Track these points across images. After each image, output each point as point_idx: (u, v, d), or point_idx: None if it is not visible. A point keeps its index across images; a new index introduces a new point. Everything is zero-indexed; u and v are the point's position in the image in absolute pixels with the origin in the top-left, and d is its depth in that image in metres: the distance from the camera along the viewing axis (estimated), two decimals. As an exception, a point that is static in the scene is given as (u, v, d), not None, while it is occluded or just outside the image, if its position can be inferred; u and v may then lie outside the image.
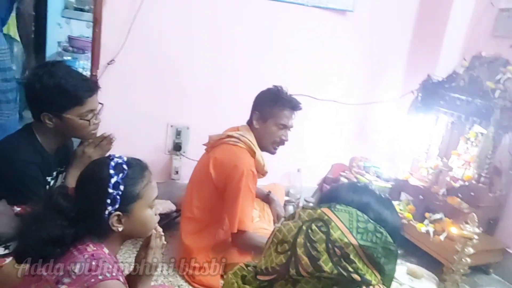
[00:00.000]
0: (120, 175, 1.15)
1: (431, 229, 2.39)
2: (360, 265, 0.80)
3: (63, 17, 4.73)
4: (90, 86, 1.62)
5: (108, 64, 2.36)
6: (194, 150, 2.49)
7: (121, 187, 1.14)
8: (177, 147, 2.63)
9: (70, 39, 4.56)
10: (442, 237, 2.31)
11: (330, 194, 0.91)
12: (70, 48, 4.50)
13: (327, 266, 0.78)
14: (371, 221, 0.82)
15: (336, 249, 0.79)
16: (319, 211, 0.83)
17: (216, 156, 2.01)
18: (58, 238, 1.09)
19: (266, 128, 2.02)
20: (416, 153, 2.80)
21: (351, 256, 0.79)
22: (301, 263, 0.79)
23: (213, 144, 2.08)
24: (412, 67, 2.99)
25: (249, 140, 2.01)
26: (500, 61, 2.47)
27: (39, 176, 1.58)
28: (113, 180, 1.14)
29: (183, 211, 2.14)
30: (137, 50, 2.41)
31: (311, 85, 2.83)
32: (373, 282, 0.82)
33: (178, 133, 2.63)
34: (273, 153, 2.11)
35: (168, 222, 2.41)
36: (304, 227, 0.82)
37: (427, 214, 2.51)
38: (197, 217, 2.05)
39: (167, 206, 2.48)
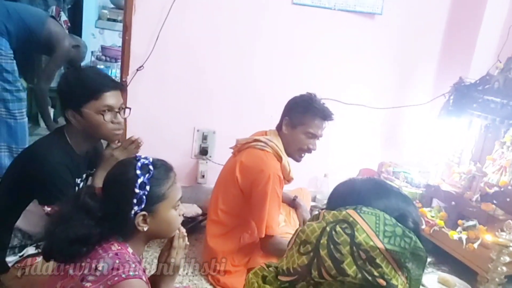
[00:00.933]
0: (147, 175, 1.17)
1: (464, 236, 2.29)
2: (387, 270, 0.77)
3: (97, 27, 4.91)
4: (110, 82, 1.64)
5: (137, 70, 2.42)
6: (220, 154, 2.51)
7: (147, 188, 1.16)
8: (203, 152, 2.66)
9: (103, 48, 4.72)
10: (475, 245, 2.21)
11: (351, 194, 0.87)
12: (103, 57, 4.65)
13: (350, 270, 0.76)
14: (399, 225, 0.80)
15: (361, 252, 0.76)
16: (344, 212, 0.81)
17: (242, 160, 2.01)
18: (85, 238, 1.11)
19: (294, 135, 2.00)
20: (448, 158, 2.71)
21: (378, 260, 0.76)
22: (324, 265, 0.77)
23: (240, 148, 2.08)
24: (444, 70, 2.90)
25: (276, 145, 2.00)
26: (537, 62, 2.37)
27: (69, 178, 1.62)
28: (139, 181, 1.15)
29: (209, 214, 2.15)
30: (165, 56, 2.45)
31: (339, 90, 2.80)
32: (400, 287, 0.79)
33: (205, 138, 2.65)
34: (298, 160, 2.08)
35: (194, 225, 2.43)
36: (328, 228, 0.80)
37: (459, 221, 2.41)
38: (223, 220, 2.05)
39: (193, 209, 2.51)
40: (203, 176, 2.67)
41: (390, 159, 3.01)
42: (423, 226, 2.51)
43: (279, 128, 2.07)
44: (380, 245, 0.76)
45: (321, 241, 0.79)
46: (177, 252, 1.33)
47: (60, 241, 1.11)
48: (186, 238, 1.37)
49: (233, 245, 2.04)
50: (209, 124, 2.65)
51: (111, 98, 1.63)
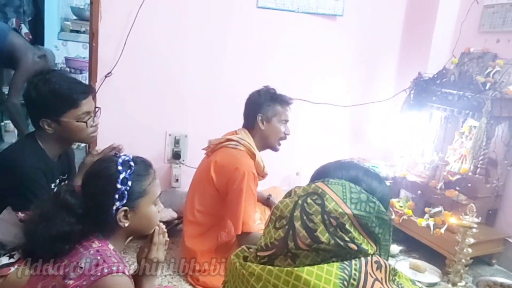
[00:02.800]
0: (128, 171, 1.19)
1: (431, 223, 2.41)
2: (356, 234, 0.83)
3: (59, 39, 4.84)
4: (84, 88, 1.66)
5: (106, 76, 2.42)
6: (193, 157, 2.53)
7: (129, 183, 1.18)
8: (176, 156, 2.67)
9: (67, 60, 4.65)
10: (442, 230, 2.33)
11: (319, 173, 0.94)
12: (68, 69, 4.58)
13: (324, 237, 0.81)
14: (364, 191, 0.86)
15: (331, 219, 0.82)
16: (313, 185, 0.87)
17: (216, 160, 2.05)
18: (67, 235, 1.12)
19: (272, 127, 2.10)
20: (412, 150, 2.84)
21: (347, 226, 0.82)
22: (299, 235, 0.82)
23: (213, 148, 2.12)
24: (404, 67, 3.05)
25: (248, 143, 2.06)
26: (489, 56, 2.53)
27: (44, 182, 1.61)
28: (121, 176, 1.17)
29: (185, 215, 2.16)
30: (133, 61, 2.47)
31: (306, 89, 2.89)
32: (370, 251, 0.85)
33: (177, 142, 2.67)
34: (277, 149, 2.18)
35: (170, 229, 2.41)
36: (300, 201, 0.85)
37: (426, 209, 2.53)
38: (199, 220, 2.08)
39: (168, 213, 2.51)
40: (177, 180, 2.68)
41: (358, 154, 3.12)
42: (393, 216, 2.61)
43: (249, 126, 2.14)
44: (348, 211, 0.82)
45: (295, 214, 0.84)
46: (157, 248, 1.34)
47: (42, 239, 1.11)
48: (166, 234, 1.39)
49: (211, 244, 2.06)
50: (181, 128, 2.67)
51: (88, 104, 1.66)
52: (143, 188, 1.22)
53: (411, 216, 2.55)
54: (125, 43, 2.39)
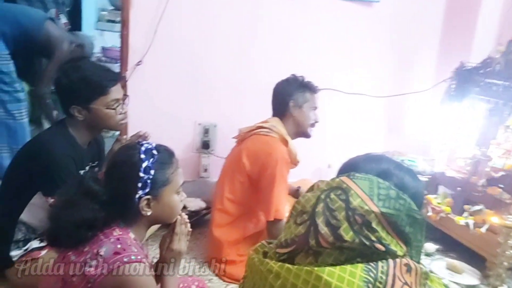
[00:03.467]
0: (151, 159, 1.17)
1: (471, 221, 2.26)
2: (383, 234, 0.76)
3: (96, 29, 4.93)
4: (113, 76, 1.68)
5: (136, 65, 2.42)
6: (222, 147, 2.51)
7: (152, 172, 1.16)
8: (205, 145, 2.66)
9: (104, 49, 4.74)
10: (483, 230, 2.19)
11: (347, 166, 0.88)
12: (104, 58, 4.67)
13: (347, 235, 0.75)
14: (393, 187, 0.79)
15: (356, 217, 0.76)
16: (337, 180, 0.81)
17: (248, 147, 2.04)
18: (90, 222, 1.12)
19: (304, 114, 2.10)
20: (452, 144, 2.68)
21: (373, 225, 0.76)
22: (321, 232, 0.77)
23: (244, 136, 2.11)
24: (444, 56, 2.88)
25: (280, 130, 2.05)
26: (540, 43, 2.34)
27: (73, 168, 1.63)
28: (144, 165, 1.15)
29: (214, 203, 2.15)
30: (164, 50, 2.46)
31: (338, 79, 2.79)
32: (399, 253, 0.78)
33: (206, 131, 2.65)
34: (310, 135, 2.18)
35: (197, 219, 2.42)
36: (322, 196, 0.79)
37: (466, 207, 2.38)
38: (228, 209, 2.06)
39: (197, 203, 2.50)
40: (206, 170, 2.67)
41: (393, 148, 2.98)
42: (429, 213, 2.49)
43: (280, 114, 2.11)
44: (375, 208, 0.75)
45: (317, 209, 0.78)
46: (179, 238, 1.33)
47: (66, 225, 1.11)
48: (189, 225, 1.37)
49: (238, 235, 2.04)
50: (210, 117, 2.65)
51: (117, 91, 1.68)
52: (166, 177, 1.20)
53: (449, 213, 2.42)
54: (155, 32, 2.38)
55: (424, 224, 0.84)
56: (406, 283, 0.75)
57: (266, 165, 1.95)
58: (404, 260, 0.78)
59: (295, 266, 0.76)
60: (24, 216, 1.67)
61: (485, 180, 2.35)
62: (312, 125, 2.14)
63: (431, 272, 2.16)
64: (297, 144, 2.18)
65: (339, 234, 0.75)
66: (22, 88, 2.73)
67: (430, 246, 2.42)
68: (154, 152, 1.19)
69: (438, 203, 2.52)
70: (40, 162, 1.59)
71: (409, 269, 0.77)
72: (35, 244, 1.67)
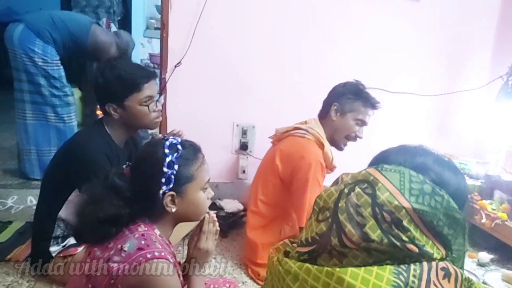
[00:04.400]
0: (175, 154, 1.14)
1: (531, 229, 2.06)
2: (416, 234, 0.67)
3: (145, 37, 5.11)
4: (146, 73, 1.69)
5: (176, 66, 2.44)
6: (261, 149, 2.45)
7: (176, 167, 1.13)
8: (243, 147, 2.62)
9: (151, 56, 4.89)
10: (546, 239, 1.98)
11: (378, 159, 0.79)
12: (151, 64, 4.82)
13: (374, 234, 0.67)
14: (428, 181, 0.69)
15: (384, 213, 0.67)
16: (363, 172, 0.73)
17: (282, 148, 1.97)
18: (114, 218, 1.10)
19: (343, 121, 1.96)
20: (510, 145, 2.46)
21: (405, 223, 0.67)
22: (344, 231, 0.69)
23: (280, 137, 2.05)
24: (500, 51, 2.67)
25: (317, 132, 1.96)
26: None
27: (108, 166, 1.65)
28: (167, 159, 1.13)
29: (248, 205, 2.11)
30: (202, 52, 2.46)
31: (384, 78, 2.66)
32: (436, 256, 0.68)
33: (244, 132, 2.62)
34: (341, 149, 2.03)
35: (235, 220, 2.40)
36: (346, 190, 0.71)
37: (525, 213, 2.17)
38: (262, 211, 2.00)
39: (234, 205, 2.48)
40: (244, 172, 2.63)
41: (444, 149, 2.78)
42: (483, 220, 2.29)
43: (322, 115, 2.03)
44: (406, 204, 0.67)
45: (340, 205, 0.71)
46: (207, 237, 1.29)
47: (90, 221, 1.11)
48: (217, 223, 1.32)
49: (273, 237, 1.97)
50: (249, 118, 2.62)
51: (150, 88, 1.69)
52: (191, 173, 1.17)
53: (506, 220, 2.22)
54: (193, 34, 2.39)
55: (466, 226, 0.73)
56: (443, 290, 0.66)
57: (298, 168, 1.86)
58: (442, 264, 0.68)
59: (315, 267, 0.69)
60: (63, 213, 1.71)
61: (548, 185, 2.13)
62: (349, 137, 1.99)
63: (484, 283, 1.98)
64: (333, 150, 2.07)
65: (364, 232, 0.67)
66: (72, 92, 2.85)
67: (484, 256, 2.23)
68: (179, 147, 1.16)
69: (493, 209, 2.33)
70: (76, 160, 1.62)
71: (447, 274, 0.68)
72: (72, 240, 1.71)
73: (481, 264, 2.22)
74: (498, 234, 2.24)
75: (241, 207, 2.48)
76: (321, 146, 1.94)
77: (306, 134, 1.94)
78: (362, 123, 1.97)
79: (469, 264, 2.23)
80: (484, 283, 1.99)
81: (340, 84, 2.03)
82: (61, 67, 2.70)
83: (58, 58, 2.67)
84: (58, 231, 1.71)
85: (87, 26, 2.76)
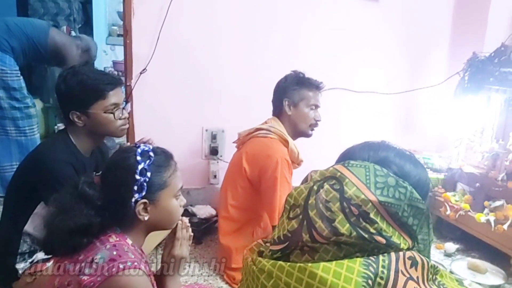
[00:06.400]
0: (147, 161, 1.13)
1: (492, 218, 2.16)
2: (383, 225, 0.70)
3: (107, 44, 5.00)
4: (112, 80, 1.64)
5: (141, 73, 2.41)
6: (231, 153, 2.44)
7: (148, 174, 1.12)
8: (213, 151, 2.62)
9: (115, 63, 4.80)
10: (505, 226, 2.08)
11: (344, 155, 0.82)
12: (116, 72, 4.72)
13: (343, 228, 0.69)
14: (392, 174, 0.72)
15: (352, 207, 0.70)
16: (331, 169, 0.75)
17: (247, 151, 1.98)
18: (85, 228, 1.07)
19: (299, 112, 2.00)
20: (469, 138, 2.58)
21: (372, 215, 0.69)
22: (315, 226, 0.71)
23: (243, 140, 2.06)
24: (456, 47, 2.79)
25: (279, 130, 1.98)
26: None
27: (75, 177, 1.59)
28: (140, 167, 1.11)
29: (219, 211, 2.10)
30: (167, 57, 2.44)
31: (347, 78, 2.73)
32: (403, 246, 0.71)
33: (214, 137, 2.62)
34: (310, 135, 2.08)
35: (208, 226, 2.38)
36: (315, 187, 0.74)
37: (486, 203, 2.27)
38: (233, 216, 2.00)
39: (206, 210, 2.47)
40: (215, 176, 2.63)
41: (408, 145, 2.89)
42: (448, 212, 2.39)
43: (278, 113, 2.05)
44: (372, 197, 0.69)
45: (309, 202, 0.73)
46: (181, 243, 1.28)
47: (60, 232, 1.08)
48: (190, 229, 1.32)
49: (246, 241, 1.96)
50: (218, 123, 2.62)
51: (115, 95, 1.65)
52: (163, 180, 1.16)
53: (469, 211, 2.31)
54: (157, 39, 2.37)
55: (430, 216, 0.77)
56: (411, 278, 0.69)
57: (266, 167, 1.88)
58: (409, 253, 0.71)
59: (288, 263, 0.70)
60: (28, 227, 1.64)
61: (505, 174, 2.24)
62: (313, 124, 2.04)
63: (452, 272, 2.06)
64: (307, 145, 2.12)
65: (334, 227, 0.70)
66: (33, 103, 2.74)
67: (450, 246, 2.32)
68: (151, 154, 1.15)
69: (457, 201, 2.42)
70: (40, 170, 1.57)
71: (414, 263, 0.71)
72: (40, 255, 1.64)
73: (447, 254, 2.31)
74: (462, 225, 2.34)
75: (213, 212, 2.46)
76: (285, 143, 1.97)
77: (268, 134, 1.97)
78: (316, 106, 2.02)
79: (437, 255, 2.31)
80: (451, 272, 2.07)
81: (281, 79, 2.08)
82: (21, 77, 2.60)
83: (17, 68, 2.56)
84: (24, 247, 1.64)
85: (45, 29, 2.64)
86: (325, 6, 2.63)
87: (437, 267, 0.76)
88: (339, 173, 0.73)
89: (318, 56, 2.66)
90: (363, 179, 0.71)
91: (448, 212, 2.38)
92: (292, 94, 1.99)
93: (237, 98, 2.61)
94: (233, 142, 2.12)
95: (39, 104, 3.61)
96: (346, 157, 0.80)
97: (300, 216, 0.73)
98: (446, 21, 2.83)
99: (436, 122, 2.86)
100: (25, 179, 1.65)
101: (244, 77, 2.59)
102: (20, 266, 1.64)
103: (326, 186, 0.72)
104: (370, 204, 0.69)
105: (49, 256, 1.62)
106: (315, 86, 2.02)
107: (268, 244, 0.83)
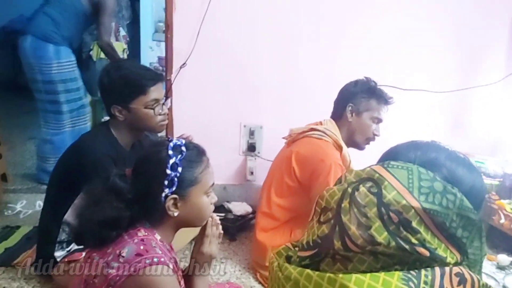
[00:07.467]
0: (179, 156, 1.11)
1: (553, 230, 1.96)
2: (427, 236, 0.61)
3: (154, 40, 5.11)
4: (153, 76, 1.66)
5: (181, 67, 2.41)
6: (269, 150, 2.42)
7: (179, 169, 1.10)
8: (251, 148, 2.57)
9: (160, 59, 4.89)
10: None
11: (387, 155, 0.73)
12: (160, 68, 4.81)
13: (381, 237, 0.61)
14: (439, 179, 0.64)
15: (391, 214, 0.62)
16: (368, 169, 0.67)
17: (298, 151, 1.91)
18: (114, 221, 1.07)
19: (360, 122, 1.93)
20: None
21: (414, 224, 0.61)
22: (348, 233, 0.63)
23: (295, 138, 1.98)
24: (517, 43, 2.57)
25: (334, 134, 1.90)
26: None
27: (113, 168, 1.62)
28: (171, 161, 1.09)
29: (259, 206, 2.05)
30: (207, 52, 2.42)
31: (395, 75, 2.56)
32: (449, 260, 0.63)
33: (252, 133, 2.57)
34: (363, 148, 2.00)
35: (243, 223, 2.35)
36: (349, 190, 0.66)
37: (547, 213, 2.08)
38: (275, 213, 1.95)
39: (242, 208, 2.44)
40: (252, 173, 2.58)
41: (459, 147, 2.67)
42: (502, 220, 2.20)
43: (337, 117, 1.98)
44: (415, 203, 0.61)
45: (343, 205, 0.65)
46: (210, 241, 1.25)
47: (89, 224, 1.07)
48: (220, 226, 1.28)
49: (283, 240, 1.90)
50: (256, 119, 2.56)
51: (156, 91, 1.66)
52: (195, 176, 1.13)
53: (526, 221, 2.12)
54: (198, 34, 2.35)
55: (483, 228, 0.67)
56: (458, 298, 0.60)
57: (318, 172, 1.80)
58: (456, 269, 0.62)
59: (317, 273, 0.63)
60: (68, 217, 1.68)
61: None
62: (369, 138, 1.95)
63: (505, 287, 1.89)
64: (351, 151, 2.00)
65: (370, 235, 0.62)
66: (85, 94, 2.82)
67: (504, 258, 2.14)
68: (183, 148, 1.12)
69: (513, 209, 2.22)
70: (81, 162, 1.60)
71: (462, 280, 0.62)
72: (76, 245, 1.68)
73: (500, 267, 2.13)
74: (518, 235, 2.15)
75: (249, 209, 2.43)
76: (339, 148, 1.89)
77: (323, 136, 1.88)
78: (378, 120, 1.95)
79: (488, 267, 2.13)
80: (504, 287, 1.90)
81: (350, 83, 1.98)
82: (76, 67, 2.64)
83: (73, 58, 2.61)
84: (63, 236, 1.68)
85: None
86: (374, 1, 2.50)
87: (489, 286, 0.66)
88: (377, 175, 0.65)
89: (365, 53, 2.53)
90: (405, 183, 0.63)
91: (502, 220, 2.20)
92: (359, 101, 1.92)
93: (276, 95, 2.54)
94: (283, 138, 2.06)
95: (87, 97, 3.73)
96: (389, 157, 0.72)
97: (332, 221, 0.66)
98: (505, 16, 2.60)
99: (490, 123, 2.65)
100: (66, 169, 1.69)
101: (284, 74, 2.52)
102: (58, 254, 1.70)
103: (362, 188, 0.65)
104: (413, 211, 0.61)
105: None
106: (384, 100, 1.94)
107: (297, 249, 0.77)
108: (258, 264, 1.95)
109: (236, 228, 2.28)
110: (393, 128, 2.62)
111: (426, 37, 2.58)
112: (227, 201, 2.49)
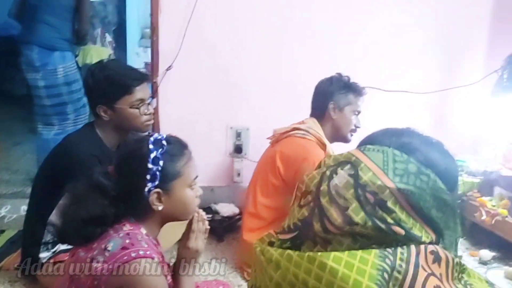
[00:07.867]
0: (160, 150, 1.11)
1: (532, 224, 2.02)
2: (402, 215, 0.64)
3: (140, 46, 5.10)
4: (138, 75, 1.67)
5: (167, 70, 2.42)
6: (256, 151, 2.42)
7: (161, 163, 1.10)
8: (237, 149, 2.59)
9: (146, 64, 4.87)
10: (547, 233, 1.94)
11: (364, 142, 0.76)
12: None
13: (358, 217, 0.64)
14: (413, 161, 0.66)
15: (367, 194, 0.64)
16: (346, 153, 0.70)
17: (282, 150, 1.93)
18: (99, 218, 1.07)
19: (343, 117, 1.99)
20: (508, 140, 2.43)
21: (389, 204, 0.64)
22: (326, 215, 0.66)
23: (278, 138, 2.01)
24: (494, 44, 2.64)
25: (317, 132, 1.94)
26: None
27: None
28: (152, 155, 1.10)
29: (245, 207, 2.06)
30: (193, 54, 2.44)
31: (377, 76, 2.62)
32: (424, 239, 0.65)
33: (238, 135, 2.59)
34: (349, 140, 2.05)
35: (230, 224, 2.35)
36: (328, 173, 0.69)
37: (526, 208, 2.13)
38: (261, 213, 1.96)
39: (230, 209, 2.44)
40: (239, 175, 2.60)
41: (441, 147, 2.77)
42: (483, 217, 2.25)
43: (318, 115, 2.01)
44: (390, 184, 0.64)
45: (321, 188, 0.68)
46: (196, 236, 1.25)
47: (74, 222, 1.08)
48: (206, 222, 1.29)
49: (271, 240, 1.93)
50: (242, 121, 2.58)
51: (142, 91, 1.67)
52: (177, 169, 1.13)
53: (506, 216, 2.18)
54: (184, 36, 2.37)
55: (456, 208, 0.70)
56: (433, 274, 0.63)
57: (302, 171, 1.78)
58: (431, 247, 0.65)
59: (297, 252, 0.66)
60: (53, 218, 1.67)
61: (548, 178, 2.09)
62: (353, 130, 2.01)
63: (487, 282, 1.93)
64: (336, 146, 2.05)
65: (347, 215, 0.64)
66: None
67: (485, 253, 2.19)
68: (164, 142, 1.13)
69: (493, 206, 2.28)
70: (66, 162, 1.59)
71: (437, 258, 0.64)
72: (63, 246, 1.67)
73: (482, 262, 2.18)
74: (499, 231, 2.20)
75: (236, 210, 2.44)
76: (323, 146, 1.92)
77: (306, 135, 1.92)
78: (358, 112, 2.02)
79: (471, 262, 2.18)
80: (486, 281, 1.94)
81: (324, 82, 2.03)
82: (77, 68, 2.67)
83: (74, 59, 2.64)
84: (48, 237, 1.67)
85: None
86: (356, 4, 2.55)
87: (463, 265, 0.69)
88: (354, 158, 0.67)
89: (348, 55, 2.58)
90: (380, 164, 0.65)
91: (484, 217, 2.25)
92: (338, 98, 1.97)
93: (262, 97, 2.57)
94: (268, 138, 2.08)
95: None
96: (366, 143, 0.74)
97: (311, 204, 0.68)
98: (483, 17, 2.68)
99: (471, 123, 2.71)
100: (51, 170, 1.68)
101: (270, 76, 2.55)
102: (43, 255, 1.68)
103: (339, 171, 0.67)
104: (388, 191, 0.64)
105: (71, 247, 1.65)
106: (359, 91, 2.02)
107: (279, 235, 0.79)
108: (245, 263, 1.96)
109: (224, 229, 2.29)
110: (375, 129, 2.67)
111: (406, 39, 2.65)
112: (214, 203, 2.49)
